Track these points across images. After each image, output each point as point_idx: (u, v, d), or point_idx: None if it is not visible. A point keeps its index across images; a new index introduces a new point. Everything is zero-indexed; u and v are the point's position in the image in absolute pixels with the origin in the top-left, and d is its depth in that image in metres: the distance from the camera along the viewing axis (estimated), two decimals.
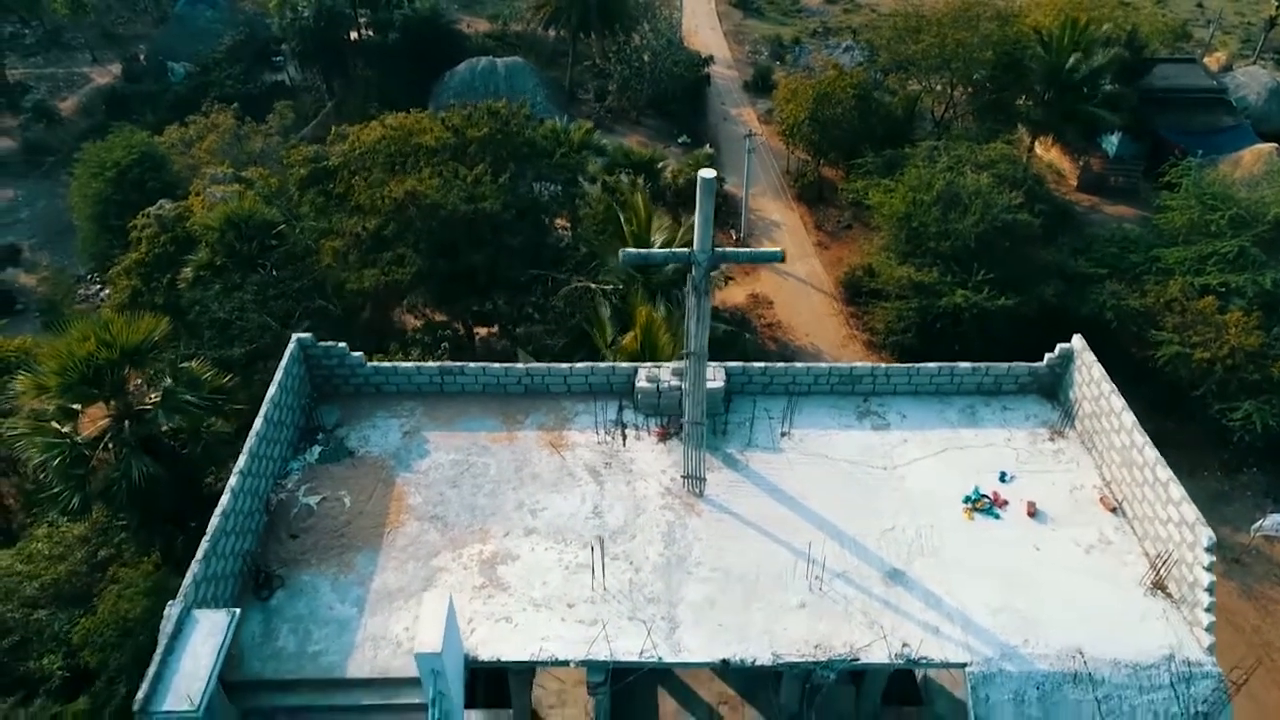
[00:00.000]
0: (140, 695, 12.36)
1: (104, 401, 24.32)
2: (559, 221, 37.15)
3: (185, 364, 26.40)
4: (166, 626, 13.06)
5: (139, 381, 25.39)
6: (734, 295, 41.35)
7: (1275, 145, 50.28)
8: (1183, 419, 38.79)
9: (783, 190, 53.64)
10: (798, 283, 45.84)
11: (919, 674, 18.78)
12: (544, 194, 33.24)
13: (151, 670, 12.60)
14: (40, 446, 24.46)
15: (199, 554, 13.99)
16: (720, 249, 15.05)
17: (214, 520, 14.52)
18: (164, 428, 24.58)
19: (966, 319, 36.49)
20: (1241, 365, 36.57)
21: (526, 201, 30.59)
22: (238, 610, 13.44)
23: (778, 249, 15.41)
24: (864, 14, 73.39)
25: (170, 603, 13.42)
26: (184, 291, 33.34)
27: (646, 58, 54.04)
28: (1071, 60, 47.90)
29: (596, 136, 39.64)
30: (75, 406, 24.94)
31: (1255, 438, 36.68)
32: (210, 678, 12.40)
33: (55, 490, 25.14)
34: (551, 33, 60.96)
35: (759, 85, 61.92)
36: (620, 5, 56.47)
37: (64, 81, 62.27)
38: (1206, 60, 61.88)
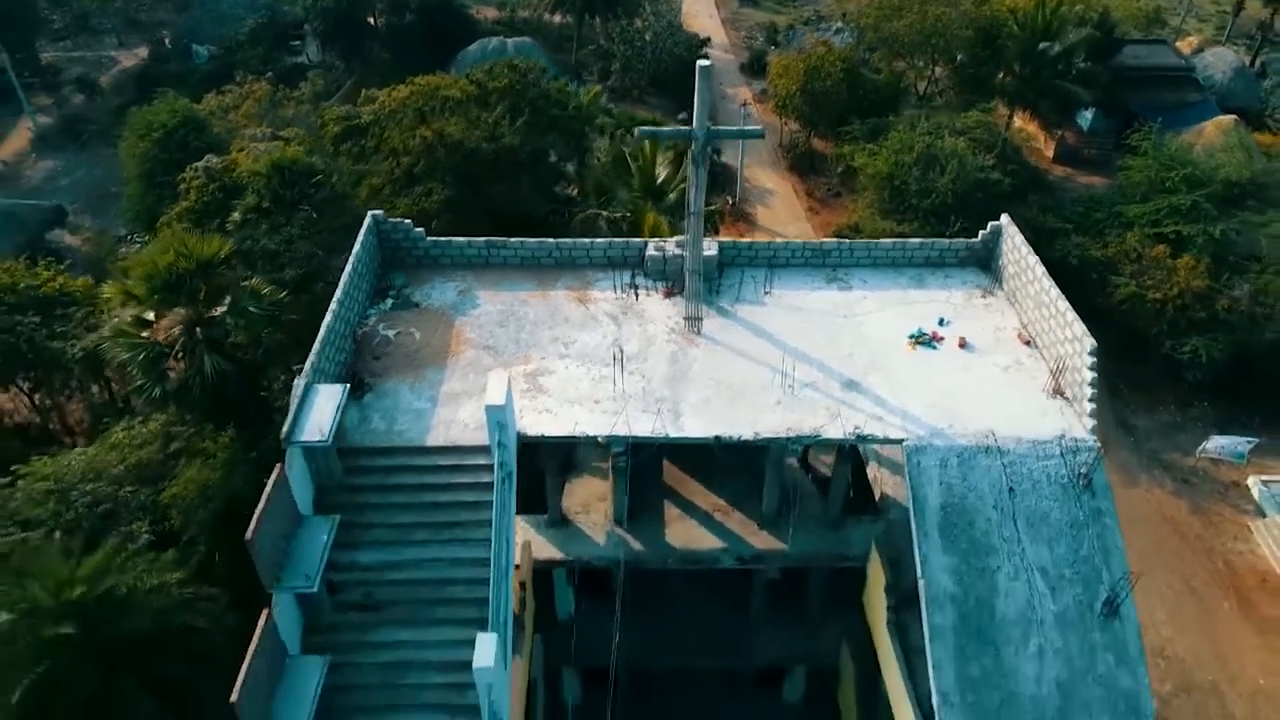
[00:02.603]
0: (284, 432, 17.18)
1: (180, 308, 29.19)
2: (567, 185, 42.01)
3: (245, 282, 31.36)
4: (297, 394, 17.86)
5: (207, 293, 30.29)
6: None
7: (1235, 117, 55.54)
8: (1140, 361, 43.96)
9: (776, 161, 58.74)
10: None
11: (876, 491, 23.58)
12: (556, 143, 38.17)
13: (290, 418, 17.42)
14: (126, 347, 29.52)
15: (312, 356, 18.83)
16: (714, 126, 20.02)
17: (320, 334, 19.36)
18: (230, 334, 29.51)
19: None
20: (1190, 305, 41.76)
21: (542, 140, 35.46)
22: (347, 385, 18.28)
23: (760, 127, 20.33)
24: (856, 0, 78.79)
25: (296, 380, 18.22)
26: (232, 233, 38.24)
27: (648, 37, 59.23)
28: (1044, 39, 53.08)
29: (604, 99, 44.66)
30: (149, 317, 29.99)
31: (1204, 375, 41.78)
32: (334, 421, 17.24)
33: (140, 383, 30.23)
34: (557, 17, 66.27)
35: (754, 68, 67.22)
36: None
37: (92, 64, 67.47)
38: (1180, 44, 67.20)
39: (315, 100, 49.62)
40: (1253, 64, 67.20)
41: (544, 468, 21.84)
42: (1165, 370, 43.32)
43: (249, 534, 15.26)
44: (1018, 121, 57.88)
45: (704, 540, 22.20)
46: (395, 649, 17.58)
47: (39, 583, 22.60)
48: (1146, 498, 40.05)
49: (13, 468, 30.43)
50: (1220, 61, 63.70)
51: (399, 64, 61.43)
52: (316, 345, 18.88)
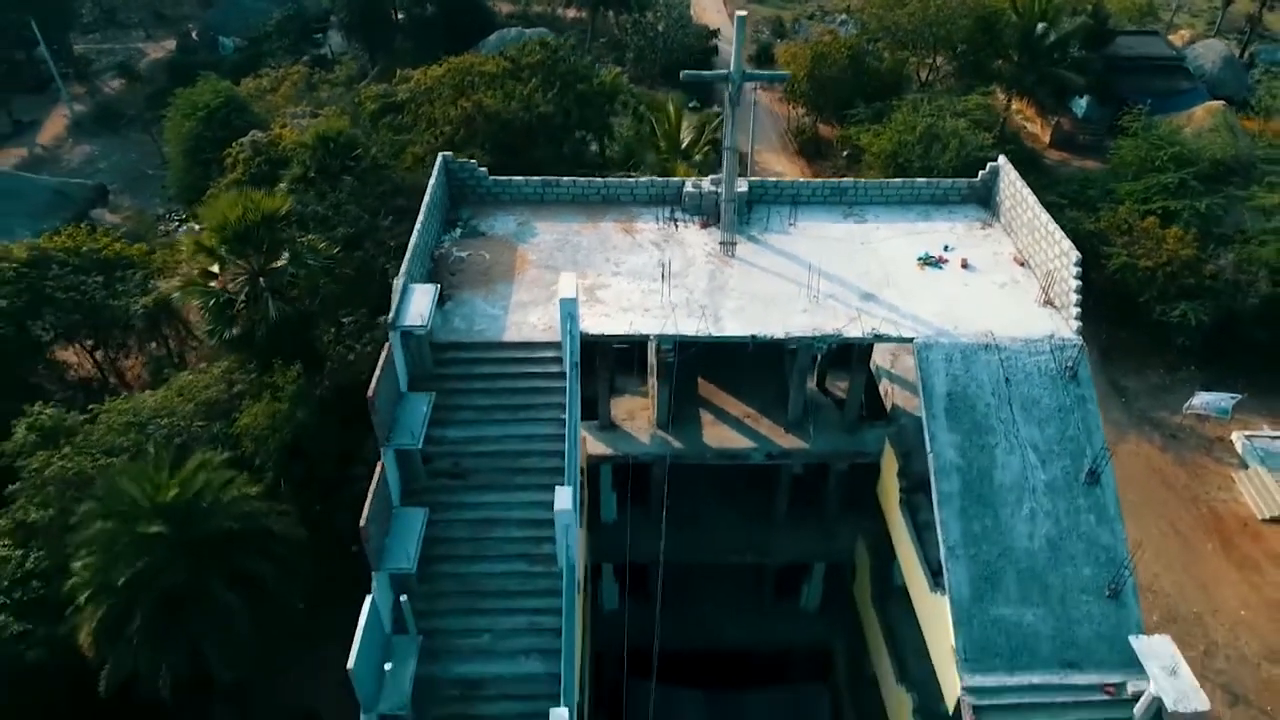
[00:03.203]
0: (390, 319, 20.54)
1: (247, 258, 32.61)
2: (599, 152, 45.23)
3: (301, 239, 34.81)
4: (397, 291, 21.22)
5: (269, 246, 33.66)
6: None
7: (1224, 102, 59.26)
8: (1133, 329, 47.44)
9: (785, 146, 62.27)
10: None
11: (888, 404, 26.90)
12: (586, 116, 41.67)
13: (393, 308, 20.79)
14: (197, 295, 33.03)
15: (405, 264, 22.18)
16: (748, 70, 23.47)
17: (409, 249, 22.73)
18: (290, 284, 32.85)
19: None
20: (1179, 272, 45.19)
21: (573, 108, 38.94)
22: (438, 285, 21.66)
23: (787, 71, 23.73)
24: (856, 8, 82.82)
25: (395, 281, 21.55)
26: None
27: (661, 28, 62.89)
28: (1040, 27, 56.76)
29: (625, 81, 48.21)
30: (214, 269, 33.49)
31: (1191, 339, 45.17)
32: (429, 311, 20.62)
33: (210, 327, 33.69)
34: (571, 12, 69.98)
35: (762, 59, 70.76)
36: None
37: (122, 56, 71.05)
38: (1172, 37, 71.10)
39: (349, 83, 53.14)
40: (1242, 55, 71.07)
41: (595, 381, 25.16)
42: (1155, 336, 46.66)
43: (370, 392, 18.58)
44: (1015, 108, 61.50)
45: (737, 440, 25.56)
46: (480, 509, 20.89)
47: (136, 488, 25.86)
48: (1135, 452, 43.33)
49: (89, 407, 33.78)
50: (1210, 52, 67.56)
51: (421, 54, 64.85)
52: (407, 256, 22.27)
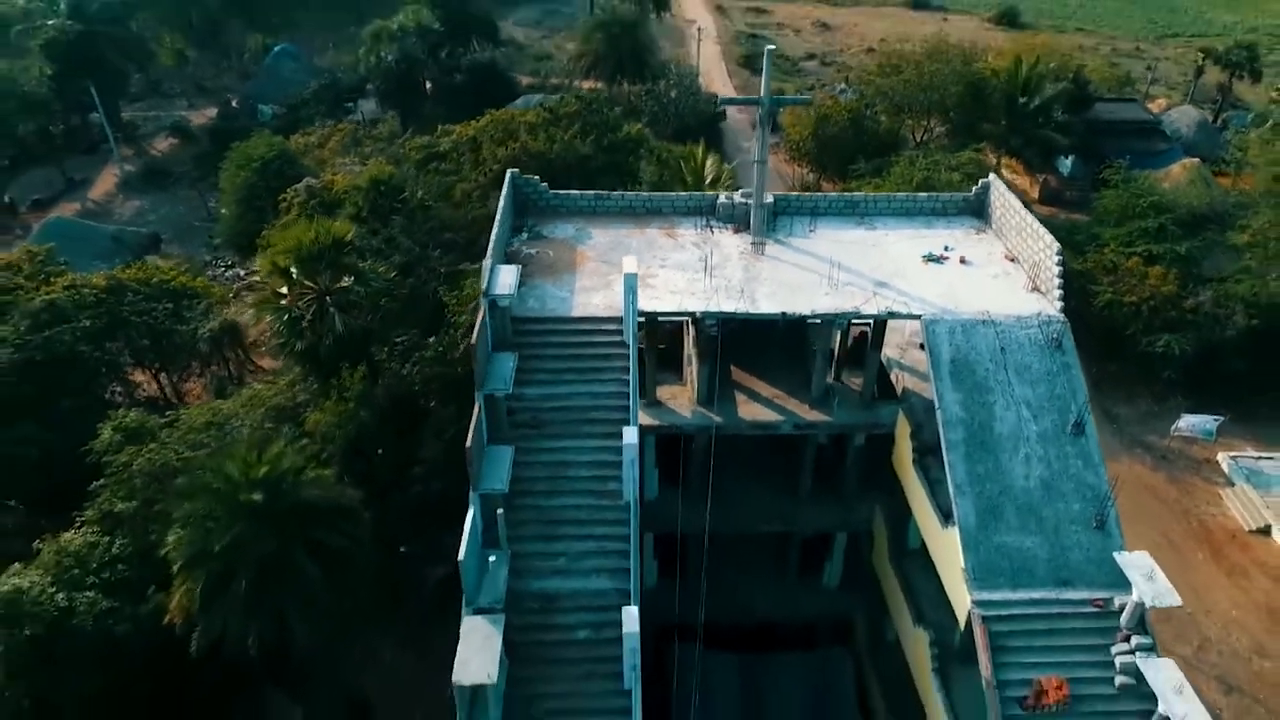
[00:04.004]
0: (483, 289, 24.81)
1: (315, 279, 37.02)
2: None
3: (362, 263, 39.32)
4: (486, 272, 25.51)
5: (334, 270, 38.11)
6: None
7: (1199, 160, 64.89)
8: (1122, 361, 51.82)
9: None
10: None
11: (898, 388, 30.99)
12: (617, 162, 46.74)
13: (485, 282, 25.07)
14: (270, 311, 37.40)
15: (490, 249, 26.53)
16: (776, 96, 28.27)
17: (491, 239, 27.10)
18: (354, 302, 37.06)
19: None
20: (1161, 307, 49.75)
21: (603, 154, 44.07)
22: (519, 266, 26.01)
23: (808, 95, 28.52)
24: (855, 73, 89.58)
25: (484, 261, 25.85)
26: None
27: (674, 94, 68.77)
28: (1024, 94, 62.61)
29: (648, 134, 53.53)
30: (282, 290, 37.92)
31: (1175, 370, 49.42)
32: (514, 284, 24.95)
33: (282, 340, 37.96)
34: (588, 83, 75.98)
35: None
36: (648, 54, 71.73)
37: (166, 122, 76.85)
38: (1150, 105, 77.38)
39: (390, 139, 58.45)
40: (1216, 120, 77.30)
41: (643, 363, 29.29)
42: (1142, 367, 50.99)
43: (473, 339, 22.76)
44: (1005, 171, 67.00)
45: (768, 415, 29.63)
46: (555, 454, 24.88)
47: (234, 465, 29.71)
48: (1128, 471, 47.12)
49: (166, 413, 37.81)
50: (1185, 117, 73.74)
51: (450, 119, 70.56)
52: (490, 246, 26.77)
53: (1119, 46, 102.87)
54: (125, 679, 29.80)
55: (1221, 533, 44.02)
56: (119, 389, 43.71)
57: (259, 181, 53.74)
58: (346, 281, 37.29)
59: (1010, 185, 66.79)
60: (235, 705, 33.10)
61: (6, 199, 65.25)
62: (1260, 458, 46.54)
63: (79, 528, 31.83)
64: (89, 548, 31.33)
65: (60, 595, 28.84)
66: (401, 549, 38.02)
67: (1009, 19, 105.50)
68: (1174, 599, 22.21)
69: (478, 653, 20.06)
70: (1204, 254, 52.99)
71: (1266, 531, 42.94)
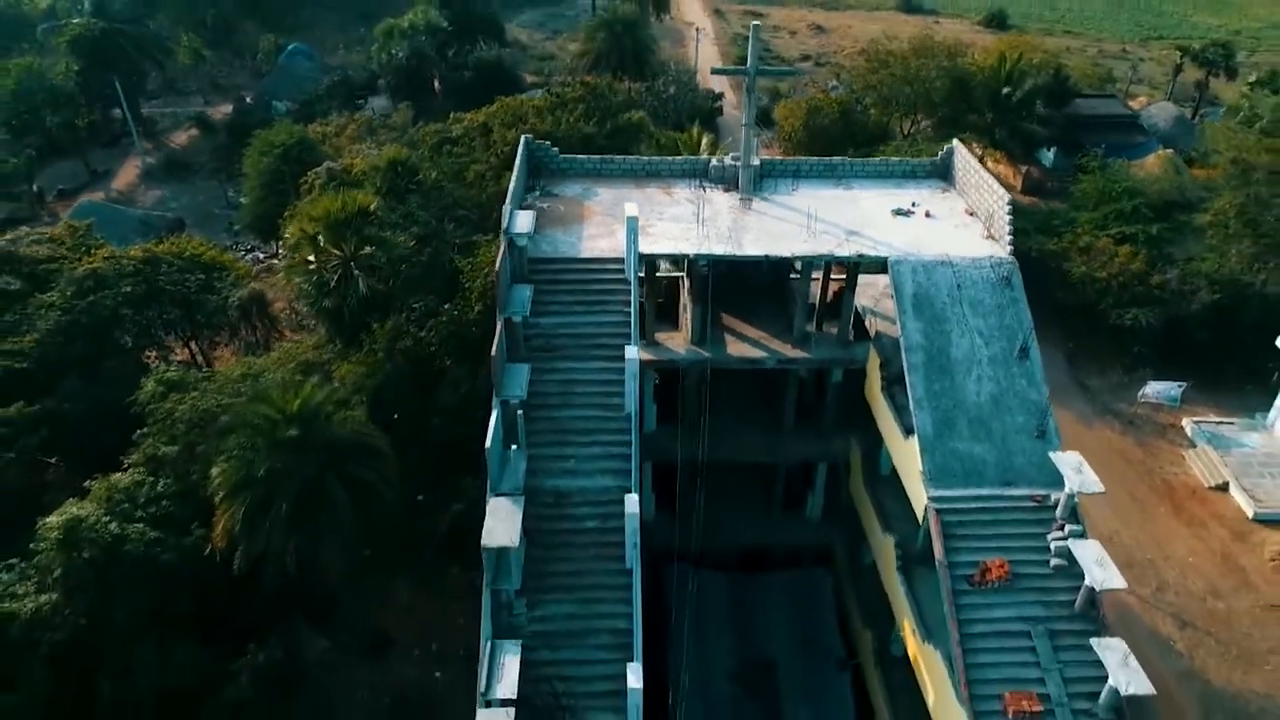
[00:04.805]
0: (503, 229, 28.97)
1: (341, 245, 41.13)
2: None
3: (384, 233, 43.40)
4: (506, 214, 29.67)
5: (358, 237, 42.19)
6: None
7: (1173, 150, 69.18)
8: (1094, 337, 55.91)
9: None
10: None
11: (871, 331, 35.08)
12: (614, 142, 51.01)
13: (505, 223, 29.23)
14: (300, 273, 41.47)
15: (509, 199, 30.68)
16: (762, 66, 32.54)
17: (509, 193, 31.26)
18: (375, 267, 40.98)
19: None
20: (1129, 282, 53.86)
21: (606, 138, 48.39)
22: (535, 212, 30.20)
23: (797, 67, 32.79)
24: (846, 74, 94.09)
25: (504, 208, 30.01)
26: None
27: (673, 90, 73.19)
28: (1006, 88, 67.00)
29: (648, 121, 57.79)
30: (310, 258, 41.98)
31: (1144, 344, 53.50)
32: (530, 226, 29.09)
33: (310, 300, 42.01)
34: (589, 79, 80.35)
35: (761, 121, 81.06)
36: (648, 53, 76.22)
37: (184, 118, 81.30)
38: (1131, 103, 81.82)
39: (404, 128, 62.75)
40: (1193, 116, 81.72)
41: (643, 309, 33.39)
42: (1114, 342, 55.12)
43: (496, 270, 26.90)
44: (989, 162, 71.23)
45: (754, 353, 33.81)
46: (565, 373, 29.05)
47: (268, 403, 33.67)
48: (1098, 436, 51.18)
49: (203, 370, 41.83)
50: (1163, 113, 78.16)
51: (458, 112, 75.10)
52: (509, 195, 30.98)
53: (1105, 48, 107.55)
54: (170, 602, 33.34)
55: (1183, 489, 47.98)
56: (154, 352, 47.67)
57: (281, 166, 57.78)
58: (369, 249, 41.49)
59: (994, 175, 71.90)
60: (269, 636, 36.62)
61: (35, 188, 69.51)
62: (1221, 422, 50.49)
63: (126, 469, 35.42)
64: (136, 485, 34.97)
65: (113, 525, 32.42)
66: (419, 497, 41.92)
67: (997, 22, 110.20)
68: (1098, 487, 26.23)
69: (502, 522, 24.12)
70: (1173, 236, 57.17)
71: (1224, 488, 46.80)
